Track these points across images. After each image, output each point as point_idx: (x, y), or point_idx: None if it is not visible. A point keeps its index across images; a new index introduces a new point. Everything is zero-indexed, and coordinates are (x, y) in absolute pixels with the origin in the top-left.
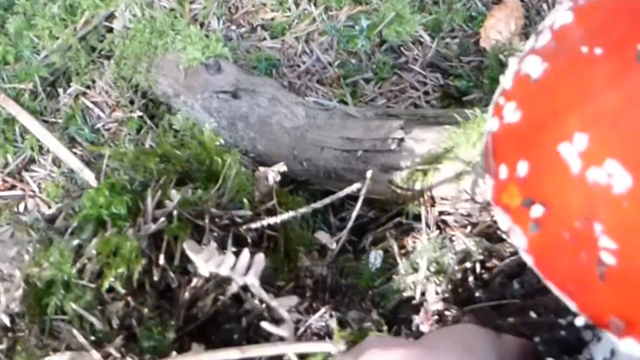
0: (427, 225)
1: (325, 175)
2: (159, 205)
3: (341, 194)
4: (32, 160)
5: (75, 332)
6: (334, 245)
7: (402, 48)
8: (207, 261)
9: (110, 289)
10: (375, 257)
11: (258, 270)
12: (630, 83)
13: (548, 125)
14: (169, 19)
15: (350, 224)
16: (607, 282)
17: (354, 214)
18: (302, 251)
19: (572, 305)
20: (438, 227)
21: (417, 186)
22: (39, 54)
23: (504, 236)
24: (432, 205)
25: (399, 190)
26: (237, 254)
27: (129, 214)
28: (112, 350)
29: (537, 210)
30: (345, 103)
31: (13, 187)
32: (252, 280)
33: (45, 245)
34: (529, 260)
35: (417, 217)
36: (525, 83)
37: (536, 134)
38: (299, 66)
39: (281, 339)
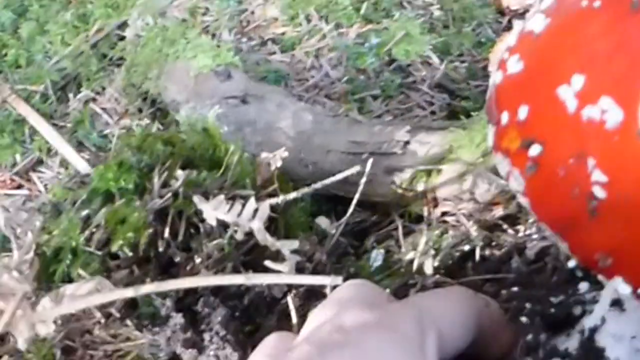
0: (429, 225)
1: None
2: (165, 185)
3: (340, 176)
4: (40, 162)
5: None
6: (333, 231)
7: (410, 68)
8: (215, 209)
9: (116, 257)
10: (376, 255)
11: (263, 216)
12: (624, 28)
13: (548, 70)
14: (180, 29)
15: (352, 208)
16: (597, 217)
17: (357, 196)
18: (302, 236)
19: (565, 247)
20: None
21: (420, 187)
22: (50, 58)
23: (504, 227)
24: (435, 206)
25: (401, 191)
26: None
27: (136, 192)
28: (112, 311)
29: (534, 150)
30: None
31: (20, 186)
32: (257, 225)
33: (55, 214)
34: (526, 203)
35: (419, 219)
36: (529, 37)
37: (537, 80)
38: (307, 80)
39: None
